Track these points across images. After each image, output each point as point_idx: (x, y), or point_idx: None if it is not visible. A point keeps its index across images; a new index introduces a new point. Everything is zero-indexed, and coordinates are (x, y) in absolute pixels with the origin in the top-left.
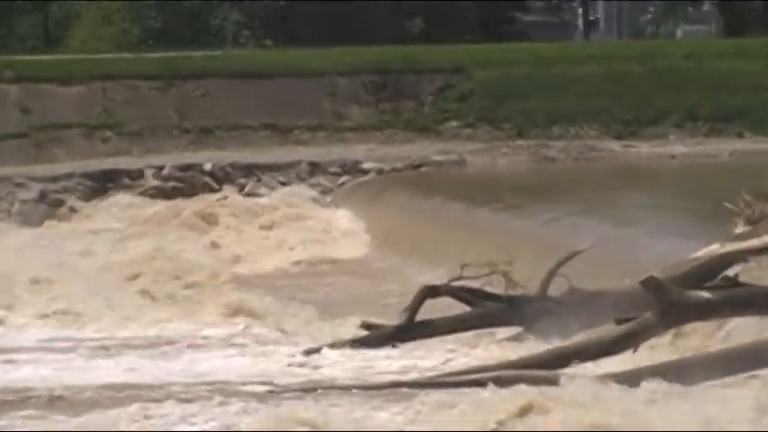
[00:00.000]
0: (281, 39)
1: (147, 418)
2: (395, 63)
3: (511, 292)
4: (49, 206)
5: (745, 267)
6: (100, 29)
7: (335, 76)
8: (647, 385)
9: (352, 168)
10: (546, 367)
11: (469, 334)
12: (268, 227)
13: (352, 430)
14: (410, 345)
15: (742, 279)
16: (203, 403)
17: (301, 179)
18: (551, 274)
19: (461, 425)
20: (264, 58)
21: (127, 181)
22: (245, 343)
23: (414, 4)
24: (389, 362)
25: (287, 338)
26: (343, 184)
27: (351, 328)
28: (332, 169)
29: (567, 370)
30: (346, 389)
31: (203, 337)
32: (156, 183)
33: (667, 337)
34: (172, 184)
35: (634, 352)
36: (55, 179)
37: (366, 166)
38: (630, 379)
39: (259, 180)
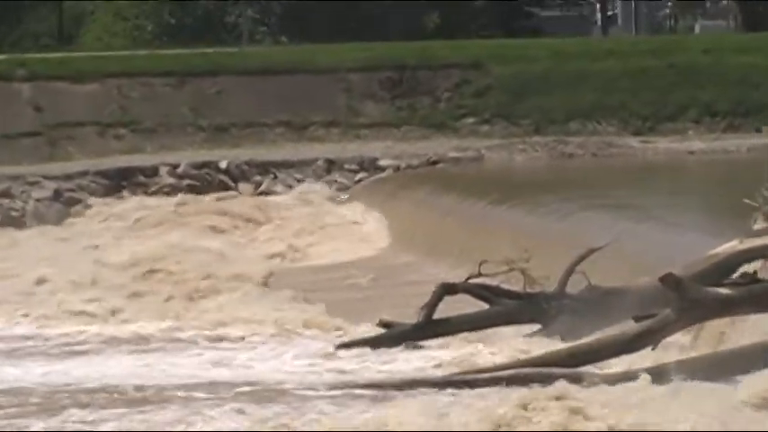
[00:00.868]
0: (296, 35)
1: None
2: (411, 59)
3: (529, 290)
4: (64, 204)
5: (765, 264)
6: (114, 26)
7: (351, 73)
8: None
9: (369, 165)
10: (565, 365)
11: (490, 331)
12: (284, 224)
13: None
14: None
15: (761, 275)
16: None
17: (318, 176)
18: (570, 272)
19: (480, 424)
20: (280, 55)
21: (141, 179)
22: (261, 342)
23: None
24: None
25: (303, 337)
26: (359, 181)
27: (368, 326)
28: (348, 166)
29: (586, 368)
30: (366, 386)
31: (220, 338)
32: (170, 180)
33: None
34: (187, 181)
35: (653, 349)
36: (69, 177)
37: (383, 162)
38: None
39: (275, 177)
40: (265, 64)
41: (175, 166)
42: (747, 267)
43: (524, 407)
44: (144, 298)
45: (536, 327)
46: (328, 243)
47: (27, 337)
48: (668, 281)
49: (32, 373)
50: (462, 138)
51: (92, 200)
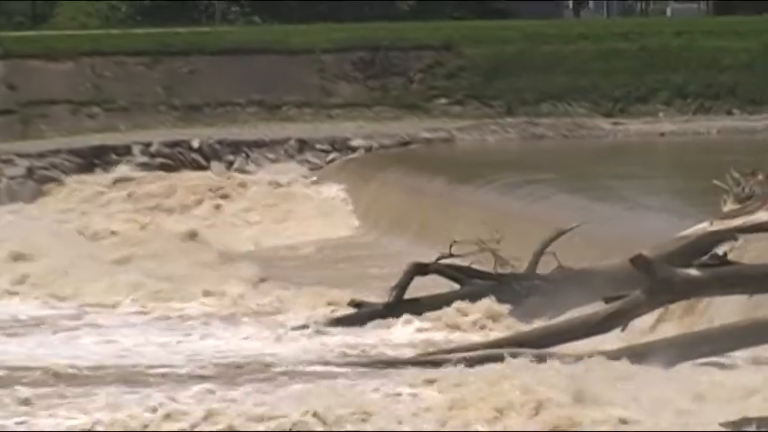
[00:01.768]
0: (269, 16)
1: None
2: (384, 40)
3: (500, 270)
4: (37, 183)
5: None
6: (87, 6)
7: (324, 53)
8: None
9: (342, 145)
10: (535, 345)
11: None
12: (255, 205)
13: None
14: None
15: (731, 257)
16: None
17: (290, 156)
18: (540, 252)
19: (446, 402)
20: (253, 35)
21: (114, 157)
22: (230, 320)
23: None
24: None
25: (274, 315)
26: (332, 160)
27: (339, 305)
28: (320, 146)
29: (556, 348)
30: (336, 365)
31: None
32: (143, 159)
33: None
34: (159, 160)
35: (623, 330)
36: (42, 155)
37: (355, 143)
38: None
39: (247, 157)
40: (238, 44)
41: (148, 145)
42: (718, 249)
43: (492, 385)
44: (118, 276)
45: (506, 307)
46: (298, 222)
47: None
48: (638, 262)
49: None
50: (434, 118)
51: (64, 178)
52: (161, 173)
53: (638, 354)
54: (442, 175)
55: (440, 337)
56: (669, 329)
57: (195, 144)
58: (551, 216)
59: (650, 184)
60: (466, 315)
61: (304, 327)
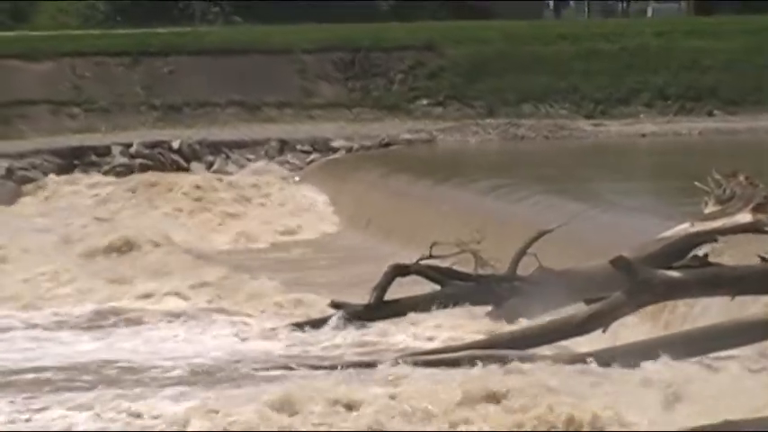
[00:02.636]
0: (249, 16)
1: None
2: (364, 41)
3: (480, 272)
4: (16, 183)
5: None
6: (67, 6)
7: (305, 54)
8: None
9: (322, 146)
10: (515, 347)
11: (440, 312)
12: (234, 205)
13: None
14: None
15: (711, 259)
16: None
17: (270, 157)
18: (521, 254)
19: (430, 403)
20: (233, 35)
21: (94, 158)
22: (209, 320)
23: None
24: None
25: (253, 317)
26: (312, 161)
27: (318, 306)
28: (301, 147)
29: (536, 350)
30: (316, 367)
31: (172, 314)
32: (123, 160)
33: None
34: (139, 161)
35: (603, 332)
36: (22, 156)
37: (335, 144)
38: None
39: (228, 157)
40: (218, 44)
41: (128, 146)
42: (698, 250)
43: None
44: (102, 276)
45: (487, 308)
46: (278, 223)
47: None
48: (619, 263)
49: None
50: (415, 119)
51: (44, 179)
52: (140, 173)
53: (616, 354)
54: (423, 177)
55: (420, 340)
56: (649, 330)
57: (175, 145)
58: (532, 217)
59: (631, 185)
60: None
61: (276, 328)
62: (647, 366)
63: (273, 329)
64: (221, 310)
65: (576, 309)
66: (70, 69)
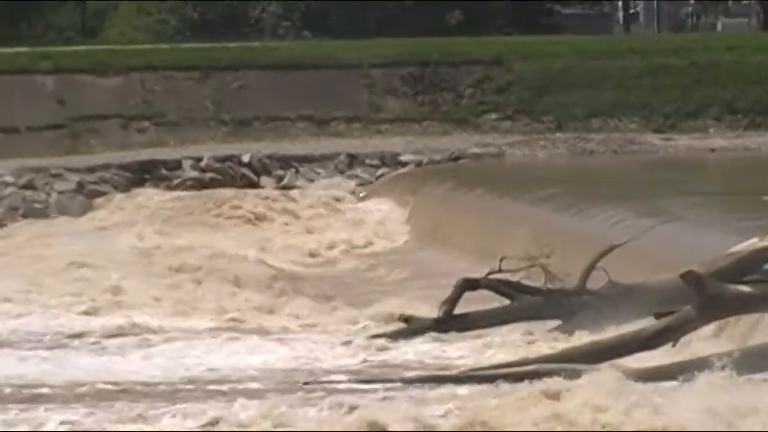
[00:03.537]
0: (319, 31)
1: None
2: (433, 55)
3: (550, 286)
4: (87, 197)
5: None
6: (137, 21)
7: (373, 68)
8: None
9: (391, 160)
10: (585, 361)
11: (510, 327)
12: (305, 220)
13: None
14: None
15: None
16: None
17: (339, 171)
18: (590, 268)
19: (496, 419)
20: (302, 50)
21: (164, 172)
22: (287, 335)
23: None
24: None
25: (324, 330)
26: (381, 176)
27: (389, 320)
28: (370, 161)
29: (605, 364)
30: (387, 381)
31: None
32: (193, 174)
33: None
34: (210, 175)
35: (673, 346)
36: (92, 170)
37: (404, 158)
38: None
39: (297, 172)
40: (288, 59)
41: (198, 160)
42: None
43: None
44: (178, 291)
45: (557, 323)
46: (349, 237)
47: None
48: (689, 278)
49: None
50: (484, 134)
51: (114, 193)
52: (212, 188)
53: (689, 368)
54: (492, 190)
55: (489, 352)
56: (722, 344)
57: (245, 159)
58: (602, 231)
59: (700, 199)
60: (515, 331)
61: (350, 342)
62: None
63: (347, 343)
64: (299, 326)
65: (646, 323)
66: (140, 84)
